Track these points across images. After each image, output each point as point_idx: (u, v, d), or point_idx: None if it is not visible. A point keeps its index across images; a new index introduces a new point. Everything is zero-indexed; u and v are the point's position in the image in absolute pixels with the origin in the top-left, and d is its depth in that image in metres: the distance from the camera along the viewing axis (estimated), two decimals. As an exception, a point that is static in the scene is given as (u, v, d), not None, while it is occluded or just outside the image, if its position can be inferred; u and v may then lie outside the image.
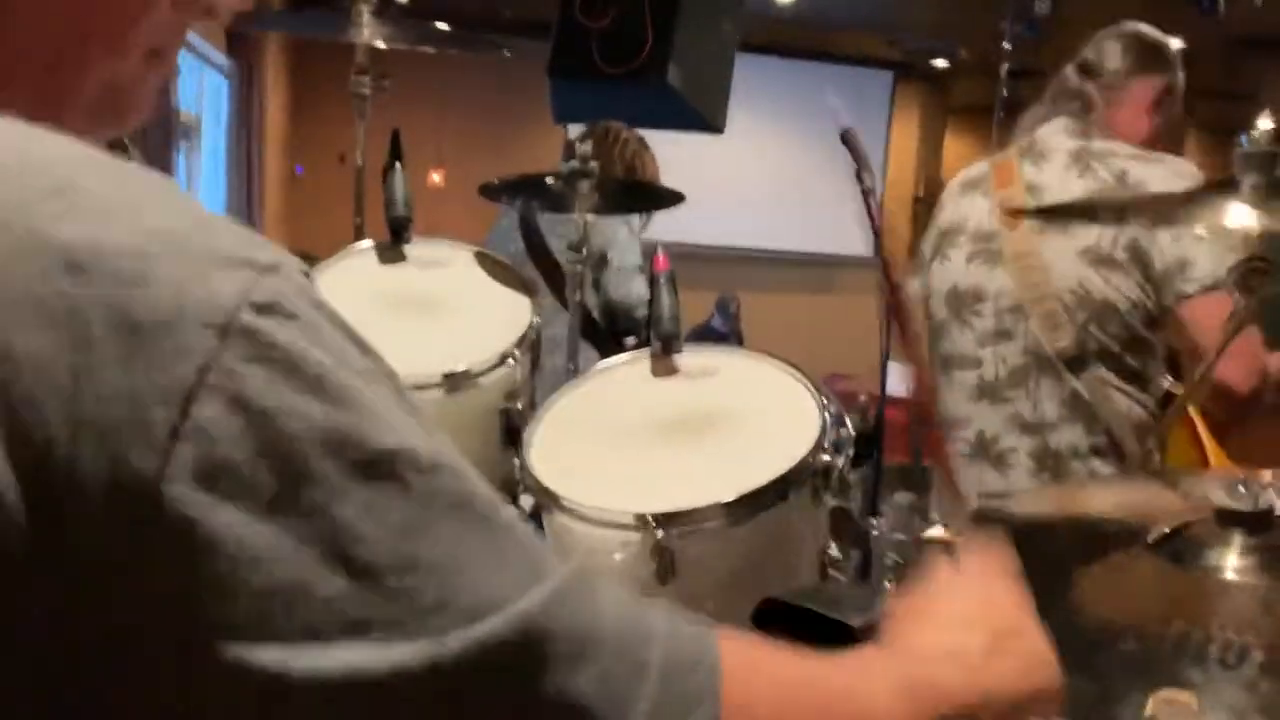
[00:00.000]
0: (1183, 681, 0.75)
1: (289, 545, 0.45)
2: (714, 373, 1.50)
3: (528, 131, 8.09)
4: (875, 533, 1.21)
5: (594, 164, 1.79)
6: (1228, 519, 0.91)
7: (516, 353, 1.55)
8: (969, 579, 0.74)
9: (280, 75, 7.85)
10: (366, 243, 1.76)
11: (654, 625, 0.53)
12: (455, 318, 1.66)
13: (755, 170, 8.94)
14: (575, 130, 3.10)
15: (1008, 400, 2.16)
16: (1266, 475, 0.95)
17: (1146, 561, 0.92)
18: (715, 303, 7.98)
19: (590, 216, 1.80)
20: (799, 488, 1.28)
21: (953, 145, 10.22)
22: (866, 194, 3.50)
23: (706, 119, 3.01)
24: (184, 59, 5.73)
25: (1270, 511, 0.91)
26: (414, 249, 1.74)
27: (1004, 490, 2.14)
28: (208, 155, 6.60)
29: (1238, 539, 0.90)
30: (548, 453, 1.39)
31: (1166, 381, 2.20)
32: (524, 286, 1.70)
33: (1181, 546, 0.93)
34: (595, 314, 2.79)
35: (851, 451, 1.35)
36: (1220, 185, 1.38)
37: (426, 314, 1.67)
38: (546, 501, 1.32)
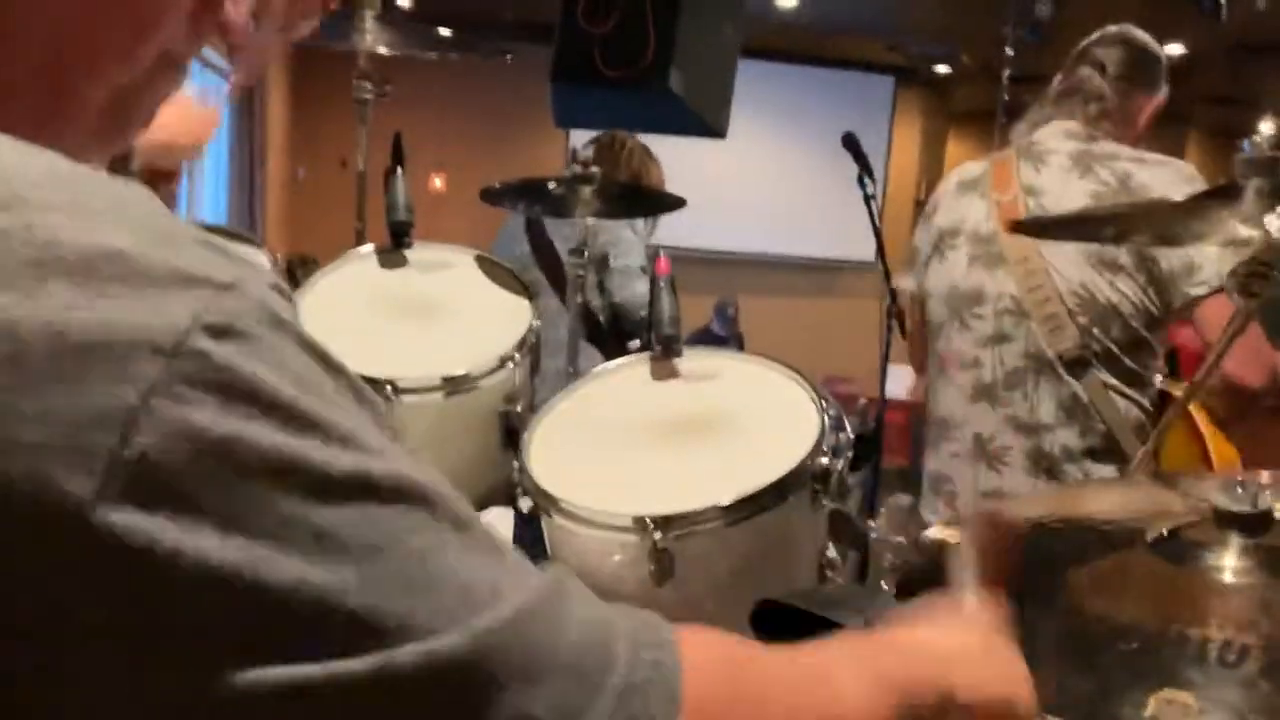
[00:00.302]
0: (1183, 681, 0.75)
1: (238, 570, 0.44)
2: (714, 376, 1.51)
3: (529, 136, 8.10)
4: (873, 535, 1.21)
5: (595, 168, 1.80)
6: (1226, 520, 0.91)
7: (516, 356, 1.55)
8: (951, 609, 0.74)
9: (282, 79, 7.86)
10: (368, 247, 1.77)
11: (616, 643, 0.52)
12: (455, 321, 1.66)
13: (757, 175, 8.95)
14: (581, 137, 3.10)
15: (1005, 402, 2.16)
16: (1265, 476, 0.95)
17: (1146, 562, 0.92)
18: (714, 306, 7.99)
19: (592, 220, 1.80)
20: (798, 490, 1.28)
21: (954, 150, 10.23)
22: (868, 199, 3.51)
23: (708, 124, 3.01)
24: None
25: (1269, 512, 0.91)
26: (415, 253, 1.74)
27: (999, 489, 2.14)
28: (209, 160, 6.61)
29: (1236, 540, 0.90)
30: (547, 455, 1.39)
31: (1158, 379, 2.20)
32: (524, 290, 1.70)
33: (1180, 547, 0.93)
34: (600, 316, 2.80)
35: (851, 454, 1.36)
36: (1222, 191, 1.38)
37: (427, 317, 1.67)
38: (545, 504, 1.32)
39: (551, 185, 1.87)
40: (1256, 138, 1.36)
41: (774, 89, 8.50)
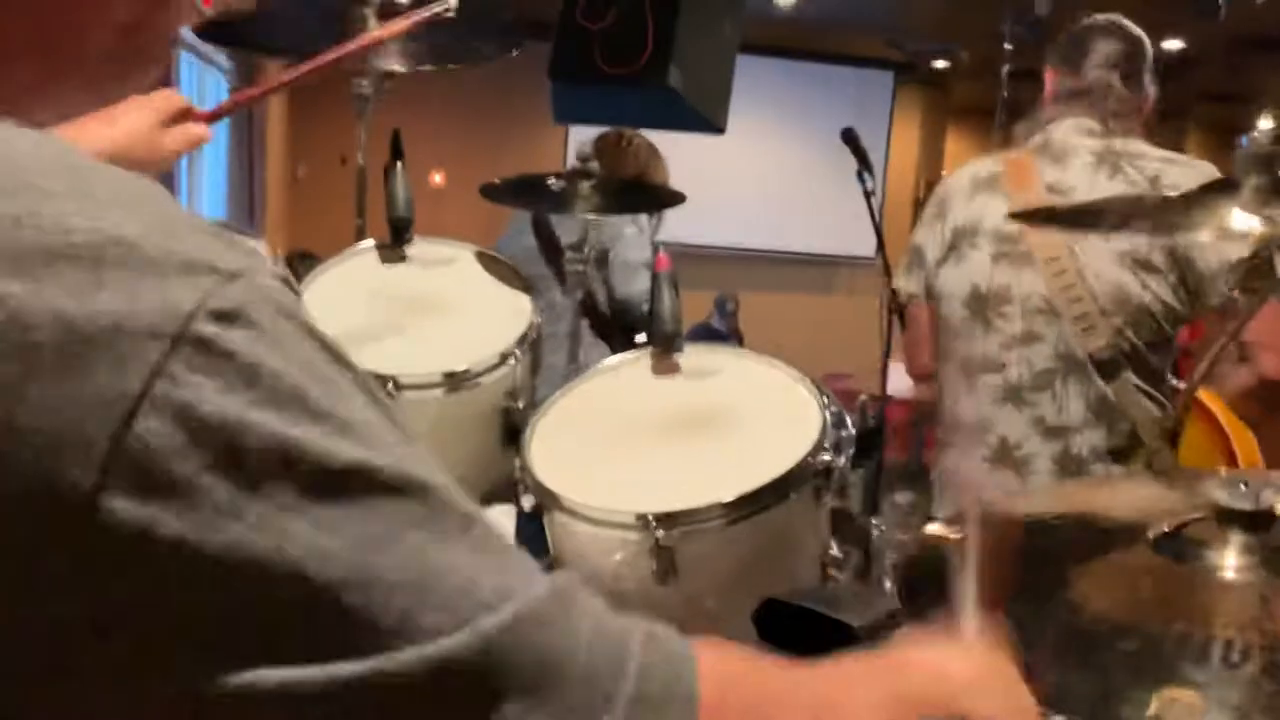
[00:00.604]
0: (1185, 680, 0.75)
1: (238, 560, 0.44)
2: (715, 372, 1.51)
3: (529, 132, 8.10)
4: (876, 532, 1.21)
5: (594, 164, 1.80)
6: (1228, 518, 0.91)
7: (517, 352, 1.55)
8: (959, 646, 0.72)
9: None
10: (368, 243, 1.76)
11: (629, 651, 0.51)
12: (456, 317, 1.66)
13: (756, 171, 8.94)
14: (581, 134, 3.10)
15: (1032, 403, 2.14)
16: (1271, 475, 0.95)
17: (1148, 560, 0.92)
18: (714, 302, 7.98)
19: (594, 216, 1.80)
20: (799, 488, 1.28)
21: (954, 146, 10.22)
22: (868, 194, 3.50)
23: (708, 120, 3.00)
24: (184, 59, 5.73)
25: (1271, 510, 0.91)
26: (415, 249, 1.74)
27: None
28: (208, 155, 6.60)
29: (1238, 538, 0.90)
30: (548, 452, 1.39)
31: (1175, 381, 2.19)
32: (525, 286, 1.70)
33: (1182, 545, 0.93)
34: (606, 311, 2.80)
35: (852, 451, 1.36)
36: (1221, 185, 1.38)
37: (428, 314, 1.67)
38: (547, 501, 1.32)
39: (551, 181, 1.87)
40: (1255, 133, 1.36)
41: (773, 85, 8.50)
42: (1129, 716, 0.75)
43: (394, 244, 1.73)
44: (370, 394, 0.50)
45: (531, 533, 1.49)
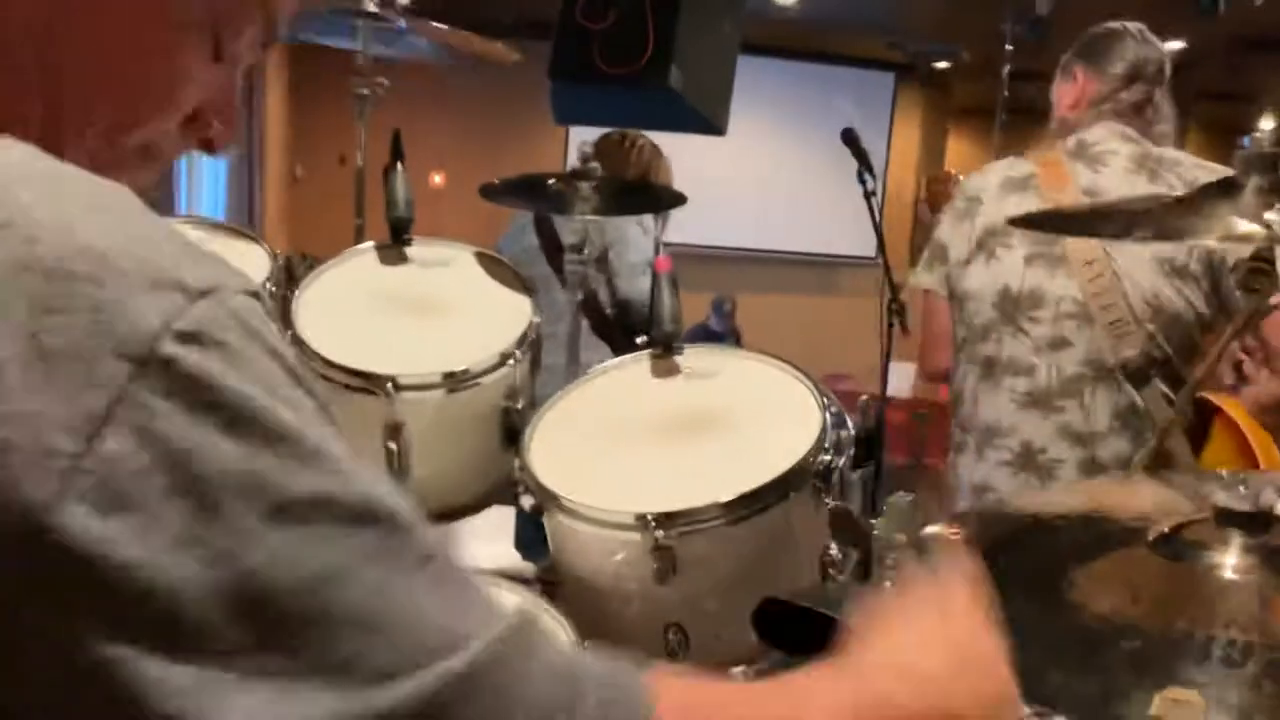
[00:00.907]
0: (1186, 680, 0.75)
1: (192, 584, 0.43)
2: (715, 373, 1.50)
3: (528, 132, 8.09)
4: (875, 533, 1.21)
5: (594, 165, 1.80)
6: (1228, 519, 0.91)
7: (517, 353, 1.55)
8: (933, 595, 0.71)
9: (280, 76, 7.85)
10: (368, 244, 1.76)
11: (584, 689, 0.50)
12: (456, 318, 1.66)
13: (757, 171, 8.94)
14: (582, 135, 3.10)
15: (1059, 409, 2.12)
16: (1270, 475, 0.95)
17: (1147, 560, 0.92)
18: (711, 303, 7.98)
19: (593, 217, 1.80)
20: (799, 488, 1.28)
21: (954, 146, 10.23)
22: (868, 195, 3.50)
23: (709, 120, 3.00)
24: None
25: (1270, 511, 0.91)
26: (415, 249, 1.74)
27: None
28: (208, 157, 6.59)
29: (1238, 538, 0.90)
30: (548, 452, 1.39)
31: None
32: (525, 286, 1.69)
33: (1182, 546, 0.93)
34: (608, 312, 2.80)
35: (852, 452, 1.35)
36: (1222, 186, 1.37)
37: (427, 314, 1.67)
38: (547, 501, 1.32)
39: (551, 182, 1.86)
40: (1256, 134, 1.35)
41: (774, 85, 8.50)
42: (1130, 717, 0.75)
43: (394, 244, 1.73)
44: (325, 413, 0.50)
45: (531, 533, 1.49)
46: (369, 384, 1.44)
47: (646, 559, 1.23)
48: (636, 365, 1.54)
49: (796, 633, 0.89)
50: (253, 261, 1.69)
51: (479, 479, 1.53)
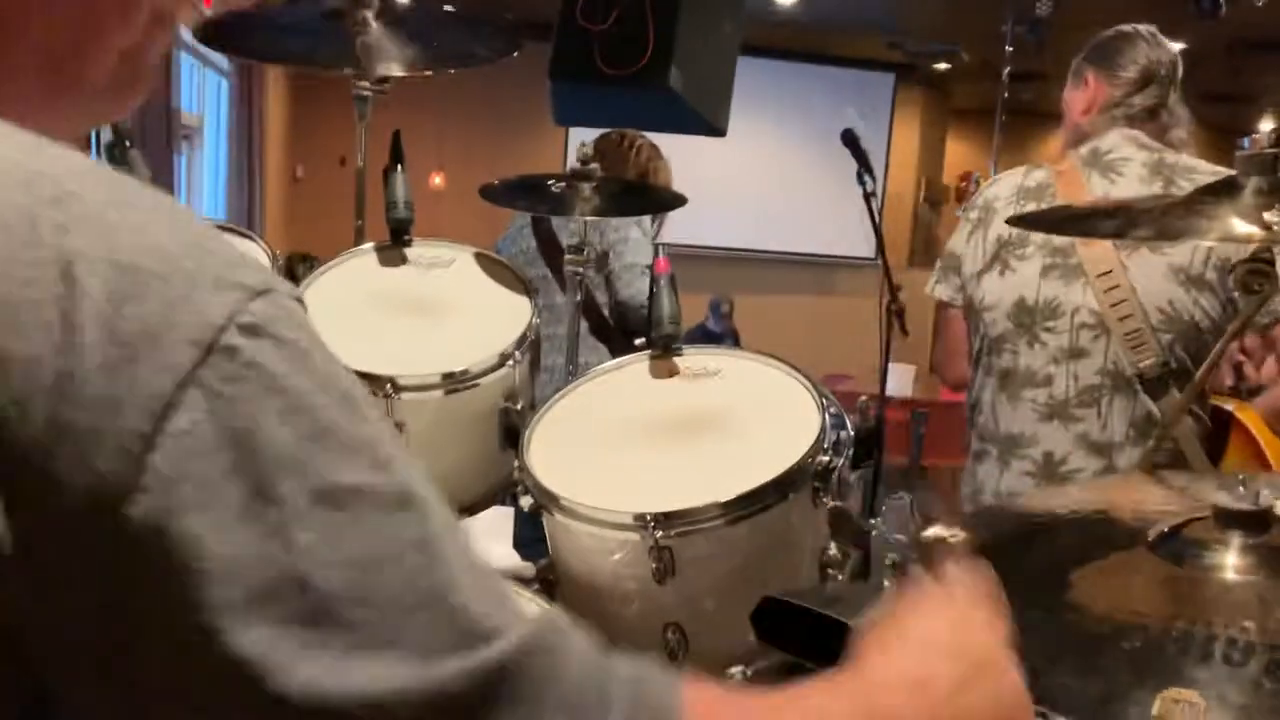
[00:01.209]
0: (1188, 680, 0.75)
1: (252, 558, 0.46)
2: (714, 373, 1.50)
3: (529, 133, 8.11)
4: (874, 533, 1.21)
5: (594, 165, 1.79)
6: (1228, 519, 0.91)
7: (516, 353, 1.55)
8: (945, 600, 0.71)
9: (280, 76, 7.86)
10: (367, 245, 1.76)
11: (615, 686, 0.52)
12: (455, 319, 1.66)
13: (757, 172, 8.95)
14: (582, 135, 3.10)
15: (1077, 419, 2.12)
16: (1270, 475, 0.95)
17: (1148, 560, 0.92)
18: (709, 303, 7.98)
19: (595, 218, 1.80)
20: (798, 488, 1.28)
21: (954, 147, 10.24)
22: (868, 196, 3.49)
23: (708, 121, 3.00)
24: (184, 59, 5.72)
25: (1271, 511, 0.91)
26: (415, 250, 1.74)
27: None
28: (208, 157, 6.60)
29: (1238, 538, 0.90)
30: (547, 453, 1.39)
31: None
32: (524, 287, 1.70)
33: (1182, 546, 0.93)
34: (607, 313, 2.79)
35: (851, 452, 1.35)
36: (1222, 187, 1.37)
37: (427, 315, 1.67)
38: (546, 502, 1.32)
39: (551, 183, 1.86)
40: (1256, 135, 1.35)
41: (774, 86, 8.51)
42: (1132, 717, 0.75)
43: (393, 245, 1.73)
44: (375, 409, 0.53)
45: (530, 534, 1.49)
46: (368, 384, 1.44)
47: (645, 559, 1.23)
48: (636, 366, 1.54)
49: (795, 632, 0.89)
50: (253, 262, 1.69)
51: (478, 479, 1.53)
